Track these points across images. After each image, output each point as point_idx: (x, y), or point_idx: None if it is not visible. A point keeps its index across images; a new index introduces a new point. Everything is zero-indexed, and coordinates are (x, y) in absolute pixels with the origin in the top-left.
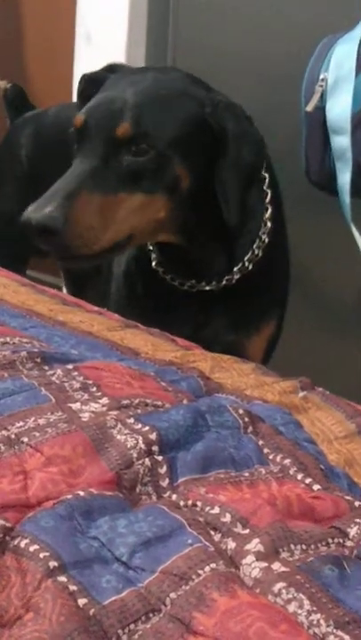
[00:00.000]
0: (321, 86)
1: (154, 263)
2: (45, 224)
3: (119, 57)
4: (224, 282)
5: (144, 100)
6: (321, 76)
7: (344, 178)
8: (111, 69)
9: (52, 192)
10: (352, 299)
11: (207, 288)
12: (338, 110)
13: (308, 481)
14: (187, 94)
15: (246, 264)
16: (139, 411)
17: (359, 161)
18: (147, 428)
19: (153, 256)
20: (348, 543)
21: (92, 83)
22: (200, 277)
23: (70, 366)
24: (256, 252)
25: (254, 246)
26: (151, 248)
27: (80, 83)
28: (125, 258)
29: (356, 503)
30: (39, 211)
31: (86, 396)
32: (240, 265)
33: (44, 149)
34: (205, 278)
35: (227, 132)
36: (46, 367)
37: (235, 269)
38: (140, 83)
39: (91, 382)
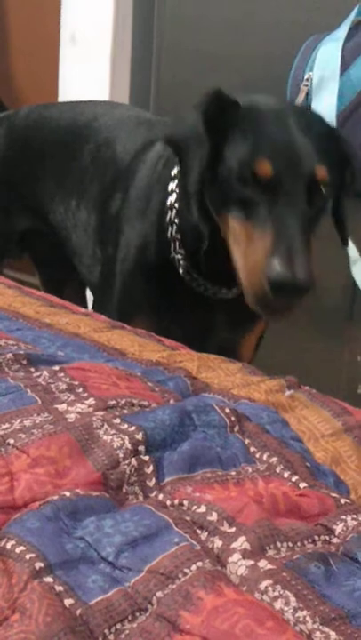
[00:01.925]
0: (306, 86)
1: (182, 271)
2: (310, 286)
3: (104, 58)
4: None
5: (318, 143)
6: (306, 76)
7: None
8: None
9: (290, 247)
10: (337, 297)
11: (230, 296)
12: (323, 109)
13: (294, 479)
14: (330, 128)
15: None
16: (125, 411)
17: None
18: (133, 427)
19: (182, 263)
20: (335, 540)
21: (220, 107)
22: (230, 285)
23: (56, 367)
24: None
25: None
26: (180, 256)
27: (211, 105)
28: (133, 261)
29: (343, 500)
30: (301, 274)
31: (72, 397)
32: None
33: (14, 150)
34: (233, 286)
35: (351, 163)
36: (32, 369)
37: None
38: (300, 120)
39: (77, 383)
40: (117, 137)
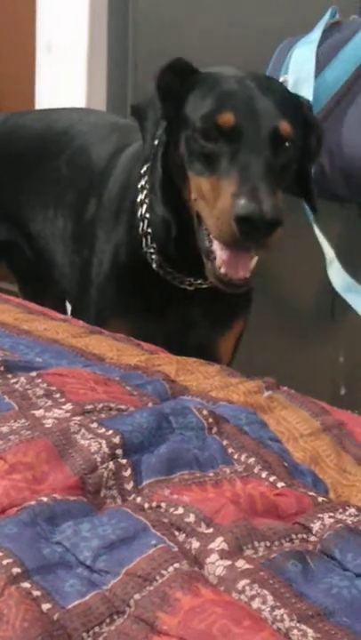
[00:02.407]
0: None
1: (155, 265)
2: (278, 218)
3: (80, 66)
4: None
5: (280, 101)
6: (281, 79)
7: None
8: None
9: (254, 186)
10: (318, 299)
11: (204, 286)
12: None
13: (272, 479)
14: (292, 94)
15: None
16: (102, 415)
17: (321, 161)
18: (110, 431)
19: (154, 257)
20: (312, 538)
21: (177, 74)
22: (204, 275)
23: (34, 374)
24: None
25: None
26: (152, 250)
27: (166, 72)
28: (109, 263)
29: (320, 499)
30: (267, 205)
31: (50, 403)
32: None
33: None
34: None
35: (318, 131)
36: (9, 375)
37: None
38: (260, 82)
39: (54, 389)
40: (92, 144)
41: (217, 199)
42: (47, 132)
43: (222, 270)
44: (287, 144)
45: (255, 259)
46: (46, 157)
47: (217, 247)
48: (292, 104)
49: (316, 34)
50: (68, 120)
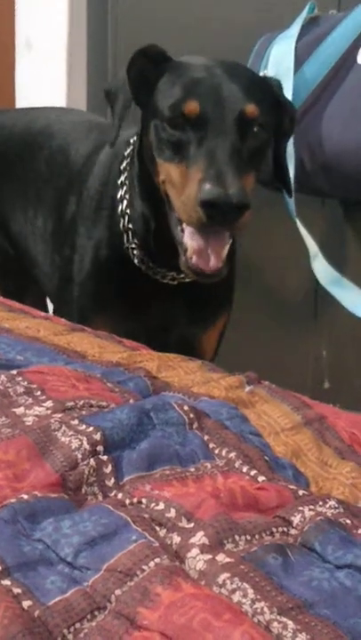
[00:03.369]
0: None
1: (136, 261)
2: (244, 202)
3: (60, 63)
4: None
5: (246, 85)
6: (261, 74)
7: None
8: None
9: (219, 171)
10: (301, 293)
11: (187, 280)
12: None
13: (252, 473)
14: (261, 77)
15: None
16: (83, 412)
17: (302, 156)
18: (91, 428)
19: (136, 253)
20: (292, 531)
21: (148, 61)
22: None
23: (14, 372)
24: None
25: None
26: (134, 246)
27: (137, 58)
28: (90, 260)
29: (300, 492)
30: (232, 188)
31: (30, 400)
32: None
33: None
34: None
35: (288, 110)
36: None
37: None
38: (228, 69)
39: (35, 386)
40: (70, 142)
41: (185, 186)
42: (26, 131)
43: (193, 261)
44: (256, 128)
45: (227, 247)
46: (25, 157)
47: (188, 237)
48: (260, 87)
49: (295, 29)
50: (47, 119)
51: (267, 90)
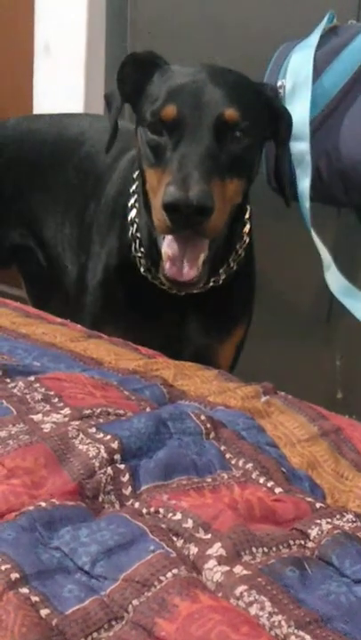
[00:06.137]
0: (279, 93)
1: (143, 269)
2: (205, 205)
3: (78, 68)
4: (211, 283)
5: (229, 90)
6: (279, 83)
7: (304, 183)
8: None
9: (186, 174)
10: (315, 302)
11: (195, 291)
12: (296, 116)
13: (269, 484)
14: (251, 82)
15: (231, 264)
16: (101, 420)
17: (318, 165)
18: (108, 436)
19: (142, 261)
20: (310, 544)
21: (139, 67)
22: None
23: (32, 378)
24: (239, 251)
25: (237, 246)
26: (140, 254)
27: (127, 64)
28: (102, 267)
29: (318, 505)
30: (194, 191)
31: (48, 407)
32: (225, 265)
33: (4, 159)
34: None
35: (284, 116)
36: (8, 380)
37: (220, 270)
38: (214, 74)
39: (52, 393)
40: (99, 150)
41: (158, 190)
42: (59, 138)
43: (167, 269)
44: (238, 133)
45: (202, 256)
46: (57, 163)
47: (165, 245)
48: (246, 92)
49: (314, 38)
50: (79, 127)
51: (256, 96)
